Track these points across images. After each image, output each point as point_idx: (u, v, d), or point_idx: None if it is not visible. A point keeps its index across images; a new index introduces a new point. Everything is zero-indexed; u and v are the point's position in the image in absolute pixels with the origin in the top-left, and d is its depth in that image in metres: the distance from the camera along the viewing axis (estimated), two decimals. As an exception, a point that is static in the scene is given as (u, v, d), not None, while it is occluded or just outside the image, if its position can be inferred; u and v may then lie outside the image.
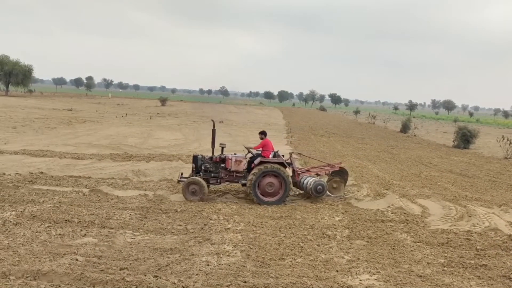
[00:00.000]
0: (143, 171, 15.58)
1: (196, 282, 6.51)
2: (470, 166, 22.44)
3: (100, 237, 8.36)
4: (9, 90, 78.02)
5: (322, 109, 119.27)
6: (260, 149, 12.63)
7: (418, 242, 9.09)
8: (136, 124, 35.56)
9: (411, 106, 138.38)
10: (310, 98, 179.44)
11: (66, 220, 9.18)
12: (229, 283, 6.50)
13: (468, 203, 12.89)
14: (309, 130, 41.06)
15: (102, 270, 6.75)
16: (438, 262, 7.95)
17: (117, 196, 11.68)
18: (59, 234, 8.40)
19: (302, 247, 8.40)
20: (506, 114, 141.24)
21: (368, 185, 14.67)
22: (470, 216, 11.34)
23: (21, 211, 9.58)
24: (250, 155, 12.76)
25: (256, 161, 12.22)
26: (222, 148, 12.86)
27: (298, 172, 12.99)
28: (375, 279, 7.05)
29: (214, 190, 13.28)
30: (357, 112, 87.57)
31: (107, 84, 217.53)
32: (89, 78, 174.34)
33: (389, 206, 11.98)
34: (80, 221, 9.18)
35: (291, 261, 7.64)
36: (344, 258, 7.98)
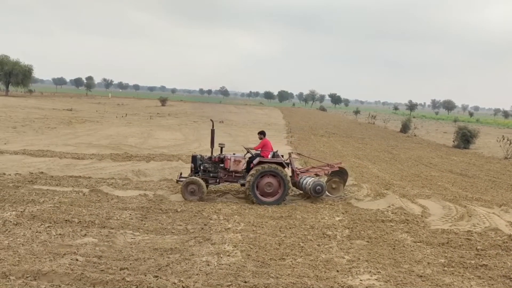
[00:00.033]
0: (143, 171, 15.58)
1: (196, 282, 6.50)
2: (470, 166, 22.44)
3: (100, 237, 8.36)
4: (9, 90, 78.02)
5: (322, 109, 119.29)
6: (260, 149, 12.62)
7: (418, 242, 9.08)
8: (136, 124, 35.56)
9: (411, 106, 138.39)
10: (310, 98, 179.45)
11: (66, 220, 9.18)
12: (230, 283, 6.50)
13: (468, 203, 12.88)
14: (309, 130, 41.06)
15: (102, 270, 6.74)
16: (438, 262, 7.95)
17: (117, 196, 11.68)
18: (59, 234, 8.39)
19: (302, 247, 8.40)
20: (506, 114, 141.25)
21: (368, 185, 14.67)
22: (470, 216, 11.34)
23: (21, 211, 9.57)
24: (249, 155, 12.76)
25: (255, 161, 12.22)
26: (221, 148, 12.86)
27: (297, 172, 12.98)
28: (376, 279, 7.05)
29: (214, 190, 13.28)
30: (357, 112, 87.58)
31: (107, 84, 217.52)
32: (89, 78, 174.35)
33: (389, 206, 11.98)
34: (80, 221, 9.17)
35: (291, 261, 7.64)
36: (344, 258, 7.98)
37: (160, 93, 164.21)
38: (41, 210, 9.77)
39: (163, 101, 77.33)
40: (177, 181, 12.47)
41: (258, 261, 7.53)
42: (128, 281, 6.32)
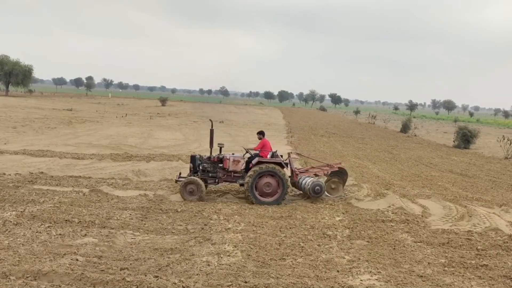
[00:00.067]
0: (143, 171, 15.58)
1: (196, 282, 6.50)
2: (471, 166, 22.43)
3: (100, 237, 8.35)
4: (9, 90, 78.02)
5: (322, 109, 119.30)
6: (259, 149, 12.62)
7: (418, 242, 9.08)
8: (136, 124, 35.56)
9: (411, 106, 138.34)
10: (310, 98, 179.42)
11: (66, 220, 9.17)
12: (230, 283, 6.49)
13: (469, 203, 12.88)
14: (309, 130, 41.06)
15: (102, 270, 6.74)
16: (439, 262, 7.95)
17: (117, 196, 11.68)
18: (60, 234, 8.39)
19: (302, 247, 8.39)
20: (506, 114, 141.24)
21: (368, 185, 14.66)
22: (470, 216, 11.34)
23: (21, 211, 9.57)
24: (248, 155, 12.75)
25: (253, 161, 12.21)
26: (220, 148, 12.86)
27: (296, 173, 12.97)
28: (376, 279, 7.04)
29: (215, 190, 13.28)
30: (357, 112, 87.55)
31: (107, 84, 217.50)
32: (89, 78, 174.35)
33: (389, 206, 11.97)
34: (80, 221, 9.17)
35: (291, 261, 7.63)
36: (344, 258, 7.97)
37: (160, 93, 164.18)
38: (41, 210, 9.77)
39: (163, 101, 77.35)
40: (176, 181, 12.46)
41: (259, 261, 7.52)
42: (128, 281, 6.32)
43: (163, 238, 8.63)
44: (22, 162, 15.94)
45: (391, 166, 20.78)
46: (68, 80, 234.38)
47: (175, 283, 6.37)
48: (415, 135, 42.57)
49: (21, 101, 56.63)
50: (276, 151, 12.69)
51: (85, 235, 8.46)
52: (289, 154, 13.35)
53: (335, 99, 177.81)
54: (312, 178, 12.70)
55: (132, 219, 9.67)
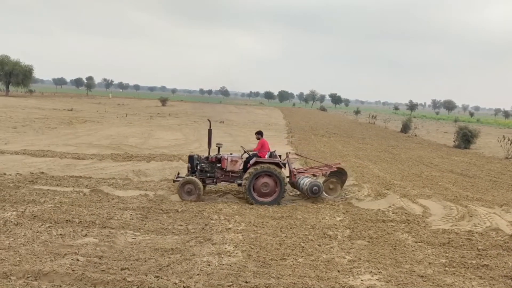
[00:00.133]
0: (144, 171, 15.58)
1: (197, 282, 6.50)
2: (471, 166, 22.43)
3: (101, 237, 8.35)
4: (10, 90, 78.05)
5: (323, 109, 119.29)
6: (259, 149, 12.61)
7: (419, 242, 9.07)
8: (136, 124, 35.57)
9: (412, 106, 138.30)
10: (311, 98, 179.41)
11: (67, 220, 9.17)
12: (231, 283, 6.49)
13: (469, 203, 12.87)
14: (309, 130, 41.06)
15: (103, 270, 6.74)
16: (439, 262, 7.94)
17: (117, 196, 11.68)
18: (60, 234, 8.39)
19: (303, 247, 8.39)
20: (506, 114, 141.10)
21: (369, 185, 14.65)
22: (471, 216, 11.34)
23: (22, 211, 9.57)
24: (246, 155, 12.75)
25: (251, 161, 12.21)
26: (219, 148, 12.86)
27: (294, 173, 12.96)
28: (377, 279, 7.04)
29: (215, 190, 13.28)
30: (357, 112, 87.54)
31: (108, 84, 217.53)
32: (90, 78, 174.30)
33: (390, 206, 11.97)
34: (81, 221, 9.17)
35: (292, 261, 7.63)
36: (345, 258, 7.97)
37: (161, 93, 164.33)
38: (42, 210, 9.77)
39: (164, 101, 77.41)
40: (174, 180, 12.46)
41: (259, 261, 7.52)
42: (129, 281, 6.32)
43: (163, 238, 8.63)
44: (22, 162, 15.94)
45: (392, 166, 20.77)
46: (68, 80, 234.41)
47: (175, 283, 6.37)
48: (416, 135, 42.57)
49: (21, 101, 56.65)
50: (274, 151, 12.68)
51: (86, 235, 8.46)
52: (287, 154, 13.33)
53: (336, 99, 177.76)
54: (310, 178, 12.70)
55: (132, 219, 9.67)
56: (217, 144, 12.89)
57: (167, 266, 7.08)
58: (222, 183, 12.94)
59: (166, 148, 22.34)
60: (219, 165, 12.56)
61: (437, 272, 7.48)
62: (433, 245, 8.91)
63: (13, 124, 29.59)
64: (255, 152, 12.60)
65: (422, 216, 11.25)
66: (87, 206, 10.44)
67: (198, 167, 12.54)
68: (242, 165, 12.52)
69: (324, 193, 12.64)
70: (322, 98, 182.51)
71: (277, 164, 12.12)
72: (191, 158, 12.62)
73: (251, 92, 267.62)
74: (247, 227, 9.54)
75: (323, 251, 8.25)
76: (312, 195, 12.24)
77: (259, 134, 12.99)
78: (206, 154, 12.95)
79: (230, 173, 12.48)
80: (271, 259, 7.68)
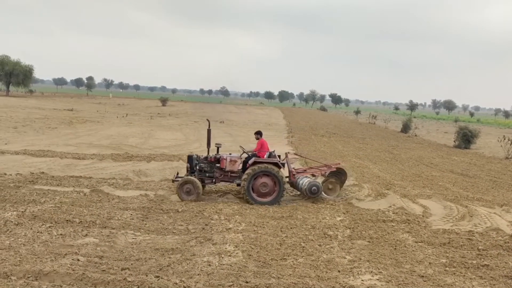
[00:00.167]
0: (144, 171, 15.58)
1: (197, 282, 6.50)
2: (471, 166, 22.42)
3: (101, 237, 8.35)
4: (10, 90, 78.05)
5: (323, 109, 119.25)
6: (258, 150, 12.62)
7: (419, 242, 9.07)
8: (136, 124, 35.58)
9: (412, 106, 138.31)
10: (311, 98, 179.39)
11: (67, 220, 9.18)
12: (231, 283, 6.49)
13: (470, 203, 12.87)
14: (309, 130, 41.06)
15: (103, 270, 6.74)
16: (440, 262, 7.94)
17: (118, 196, 11.68)
18: (61, 234, 8.39)
19: (303, 247, 8.39)
20: (506, 114, 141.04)
21: (369, 185, 14.65)
22: (471, 216, 11.33)
23: (22, 211, 9.57)
24: (245, 155, 12.75)
25: (250, 161, 12.21)
26: (218, 148, 12.86)
27: (293, 173, 12.96)
28: (377, 279, 7.04)
29: (215, 190, 13.29)
30: (357, 112, 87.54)
31: (108, 84, 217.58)
32: (90, 78, 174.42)
33: (390, 206, 11.96)
34: (81, 221, 9.17)
35: (292, 261, 7.63)
36: (345, 258, 7.96)
37: (161, 93, 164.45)
38: (42, 210, 9.77)
39: (164, 101, 77.45)
40: (173, 180, 12.47)
41: (260, 261, 7.52)
42: (129, 281, 6.32)
43: (164, 238, 8.63)
44: (23, 162, 15.95)
45: (392, 166, 20.77)
46: (68, 80, 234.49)
47: (176, 283, 6.37)
48: (416, 135, 42.56)
49: (21, 101, 56.66)
50: (273, 151, 12.68)
51: (86, 235, 8.46)
52: (286, 154, 13.32)
53: (336, 99, 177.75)
54: (309, 179, 12.70)
55: (133, 219, 9.67)
56: (216, 144, 12.90)
57: (167, 266, 7.08)
58: (222, 183, 12.96)
59: (166, 148, 22.35)
60: (218, 165, 12.56)
61: (438, 272, 7.48)
62: (433, 245, 8.91)
63: (13, 124, 29.60)
64: (254, 152, 12.61)
65: (423, 216, 11.24)
66: (88, 206, 10.45)
67: (197, 167, 12.55)
68: (241, 165, 12.52)
69: (323, 193, 12.63)
70: (322, 98, 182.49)
71: (276, 164, 12.11)
72: (190, 158, 12.63)
73: (251, 92, 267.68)
74: (248, 227, 9.54)
75: (323, 251, 8.25)
76: (311, 195, 12.23)
77: (258, 134, 12.99)
78: (205, 154, 12.96)
79: (229, 173, 12.49)
80: (271, 259, 7.68)
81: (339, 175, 13.42)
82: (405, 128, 46.32)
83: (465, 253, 8.48)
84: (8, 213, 9.44)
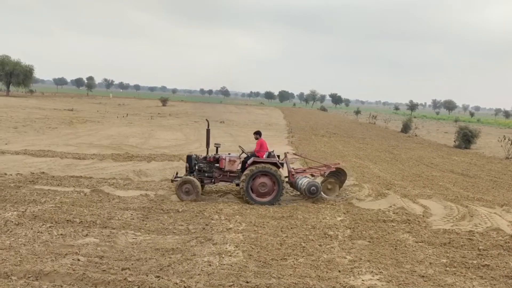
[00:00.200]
0: (144, 171, 15.58)
1: (198, 282, 6.50)
2: (472, 166, 22.42)
3: (101, 237, 8.36)
4: (10, 90, 78.07)
5: (323, 109, 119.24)
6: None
7: (420, 242, 9.07)
8: (137, 124, 35.58)
9: (412, 106, 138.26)
10: (311, 98, 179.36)
11: (67, 220, 9.18)
12: (231, 283, 6.49)
13: (470, 203, 12.87)
14: (310, 130, 41.06)
15: (104, 270, 6.74)
16: (440, 262, 7.94)
17: (118, 196, 11.68)
18: (61, 234, 8.39)
19: (304, 247, 8.39)
20: (507, 114, 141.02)
21: (369, 185, 14.65)
22: (472, 216, 11.33)
23: (23, 211, 9.57)
24: (244, 155, 12.76)
25: (249, 161, 12.21)
26: (217, 148, 12.87)
27: (293, 173, 12.96)
28: (378, 279, 7.04)
29: (216, 190, 13.29)
30: (358, 112, 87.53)
31: (108, 84, 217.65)
32: (90, 78, 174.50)
33: (390, 206, 11.97)
34: (81, 221, 9.17)
35: (293, 261, 7.63)
36: (346, 258, 7.96)
37: (161, 93, 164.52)
38: (43, 210, 9.77)
39: (164, 101, 77.47)
40: (172, 180, 12.47)
41: (260, 261, 7.52)
42: (130, 281, 6.32)
43: (164, 238, 8.63)
44: (23, 162, 15.95)
45: (392, 166, 20.77)
46: (69, 80, 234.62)
47: (176, 283, 6.37)
48: (416, 135, 42.56)
49: (22, 101, 56.67)
50: (273, 151, 12.68)
51: (87, 235, 8.46)
52: (285, 154, 13.32)
53: (336, 99, 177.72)
54: (308, 178, 12.69)
55: (133, 219, 9.67)
56: (215, 144, 12.91)
57: (168, 266, 7.08)
58: (222, 183, 12.96)
59: (166, 148, 22.35)
60: (217, 165, 12.57)
61: (438, 272, 7.47)
62: (434, 245, 8.90)
63: (13, 124, 29.61)
64: (254, 152, 12.62)
65: (423, 216, 11.24)
66: (88, 206, 10.45)
67: (196, 167, 12.55)
68: (240, 165, 12.52)
69: (322, 193, 12.62)
70: (322, 98, 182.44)
71: (275, 164, 12.11)
72: (189, 158, 12.64)
73: (251, 92, 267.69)
74: (248, 227, 9.54)
75: (324, 251, 8.25)
76: (310, 195, 12.23)
77: (257, 134, 12.99)
78: (204, 154, 12.97)
79: (228, 173, 12.49)
80: (272, 259, 7.68)
81: (338, 175, 13.41)
82: (405, 128, 46.31)
83: (465, 253, 8.48)
84: (8, 213, 9.44)
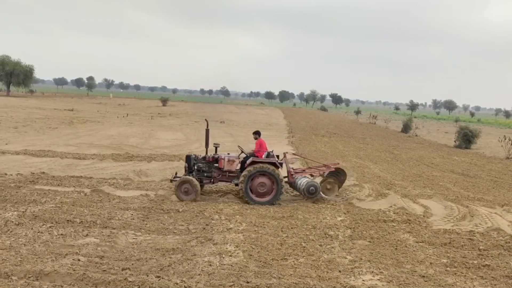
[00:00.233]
0: (145, 171, 15.58)
1: (198, 282, 6.50)
2: (472, 166, 22.41)
3: (102, 237, 8.35)
4: (10, 91, 78.10)
5: (323, 109, 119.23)
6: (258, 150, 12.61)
7: (420, 242, 9.07)
8: (137, 124, 35.59)
9: (412, 106, 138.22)
10: (311, 98, 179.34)
11: (68, 220, 9.17)
12: (232, 283, 6.49)
13: (470, 203, 12.86)
14: (310, 130, 41.06)
15: (104, 271, 6.74)
16: (440, 262, 7.93)
17: (118, 196, 11.68)
18: (61, 234, 8.39)
19: (304, 247, 8.38)
20: (507, 114, 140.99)
21: (369, 185, 14.65)
22: (472, 216, 11.32)
23: (23, 211, 9.57)
24: (243, 155, 12.75)
25: (248, 161, 12.21)
26: (216, 148, 12.87)
27: (292, 173, 12.95)
28: (378, 279, 7.03)
29: (216, 190, 13.29)
30: (358, 112, 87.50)
31: (108, 84, 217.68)
32: (90, 78, 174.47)
33: (391, 206, 11.96)
34: (82, 221, 9.17)
35: (293, 261, 7.62)
36: (346, 258, 7.96)
37: (161, 93, 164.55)
38: (43, 210, 9.77)
39: (164, 101, 77.49)
40: (171, 180, 12.47)
41: (260, 261, 7.52)
42: (130, 281, 6.32)
43: (164, 238, 8.63)
44: (23, 162, 15.95)
45: (392, 166, 20.76)
46: (69, 80, 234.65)
47: (177, 283, 6.37)
48: (416, 135, 42.55)
49: (22, 101, 56.68)
50: (272, 151, 12.68)
51: (87, 235, 8.46)
52: (284, 154, 13.31)
53: (336, 99, 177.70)
54: (307, 179, 12.69)
55: (133, 219, 9.67)
56: (214, 144, 12.91)
57: (168, 266, 7.08)
58: (221, 183, 12.95)
59: (167, 148, 22.35)
60: (216, 164, 12.56)
61: (439, 272, 7.47)
62: (434, 245, 8.90)
63: (14, 124, 29.62)
64: (252, 152, 12.62)
65: (423, 216, 11.23)
66: (88, 206, 10.45)
67: (195, 167, 12.54)
68: (239, 165, 12.52)
69: (321, 193, 12.61)
70: (322, 98, 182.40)
71: (273, 164, 12.10)
72: (188, 158, 12.63)
73: (251, 92, 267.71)
74: (248, 227, 9.54)
75: (324, 251, 8.24)
76: (309, 195, 12.22)
77: (257, 134, 12.99)
78: (203, 154, 12.97)
79: (227, 173, 12.49)
80: (272, 259, 7.67)
81: (338, 175, 13.41)
82: (406, 128, 46.31)
83: (466, 253, 8.47)
84: (8, 213, 9.44)
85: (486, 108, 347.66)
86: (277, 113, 77.49)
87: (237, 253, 7.83)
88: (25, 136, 24.14)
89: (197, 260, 7.39)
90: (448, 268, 7.66)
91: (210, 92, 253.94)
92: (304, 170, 13.58)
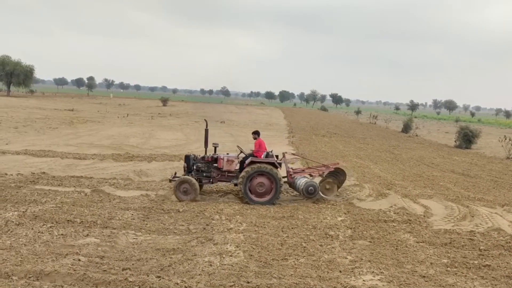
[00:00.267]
0: (145, 171, 15.59)
1: (199, 282, 6.49)
2: (472, 166, 22.40)
3: (102, 237, 8.35)
4: (11, 91, 78.14)
5: (323, 109, 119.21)
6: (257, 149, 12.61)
7: (421, 242, 9.06)
8: (137, 124, 35.60)
9: (413, 106, 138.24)
10: (311, 98, 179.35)
11: (68, 220, 9.17)
12: (232, 284, 6.49)
13: (471, 203, 12.86)
14: (310, 130, 41.05)
15: (104, 271, 6.74)
16: (441, 263, 7.93)
17: (119, 196, 11.68)
18: (62, 234, 8.39)
19: (304, 247, 8.38)
20: (507, 114, 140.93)
21: (370, 185, 14.65)
22: (472, 216, 11.32)
23: (23, 211, 9.57)
24: (242, 155, 12.75)
25: (247, 161, 12.21)
26: (215, 147, 12.87)
27: (291, 173, 12.95)
28: (378, 280, 7.03)
29: (216, 190, 13.29)
30: (358, 112, 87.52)
31: (108, 84, 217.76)
32: (90, 78, 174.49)
33: (391, 206, 11.96)
34: (82, 221, 9.17)
35: (294, 262, 7.62)
36: (347, 258, 7.96)
37: (161, 93, 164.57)
38: (43, 210, 9.77)
39: (165, 101, 77.52)
40: (170, 180, 12.47)
41: (261, 262, 7.51)
42: (130, 281, 6.31)
43: (165, 238, 8.63)
44: (23, 162, 15.96)
45: (393, 166, 20.76)
46: (69, 80, 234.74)
47: (177, 283, 6.37)
48: (417, 135, 42.55)
49: (22, 102, 56.70)
50: (271, 151, 12.68)
51: (87, 235, 8.46)
52: (283, 154, 13.31)
53: (336, 99, 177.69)
54: (306, 179, 12.68)
55: (134, 219, 9.67)
56: (213, 144, 12.91)
57: (168, 266, 7.08)
58: (222, 183, 12.95)
59: (167, 148, 22.36)
60: (215, 164, 12.56)
61: (439, 272, 7.47)
62: (434, 245, 8.90)
63: (14, 124, 29.63)
64: (251, 152, 12.62)
65: (424, 216, 11.23)
66: (89, 206, 10.45)
67: (194, 167, 12.54)
68: (238, 165, 12.52)
69: (320, 193, 12.61)
70: (323, 98, 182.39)
71: (273, 164, 12.10)
72: (187, 158, 12.63)
73: (251, 92, 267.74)
74: (249, 227, 9.54)
75: (324, 251, 8.24)
76: (308, 195, 12.22)
77: (256, 134, 12.99)
78: (202, 154, 12.98)
79: (227, 172, 12.49)
80: (272, 259, 7.67)
81: (337, 175, 13.40)
82: (406, 128, 46.32)
83: (466, 253, 8.47)
84: (9, 213, 9.44)
85: (486, 108, 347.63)
86: (278, 113, 77.49)
87: (238, 253, 7.83)
88: (25, 136, 24.15)
89: (197, 260, 7.39)
90: (448, 268, 7.66)
91: (211, 92, 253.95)
92: (303, 170, 13.57)
